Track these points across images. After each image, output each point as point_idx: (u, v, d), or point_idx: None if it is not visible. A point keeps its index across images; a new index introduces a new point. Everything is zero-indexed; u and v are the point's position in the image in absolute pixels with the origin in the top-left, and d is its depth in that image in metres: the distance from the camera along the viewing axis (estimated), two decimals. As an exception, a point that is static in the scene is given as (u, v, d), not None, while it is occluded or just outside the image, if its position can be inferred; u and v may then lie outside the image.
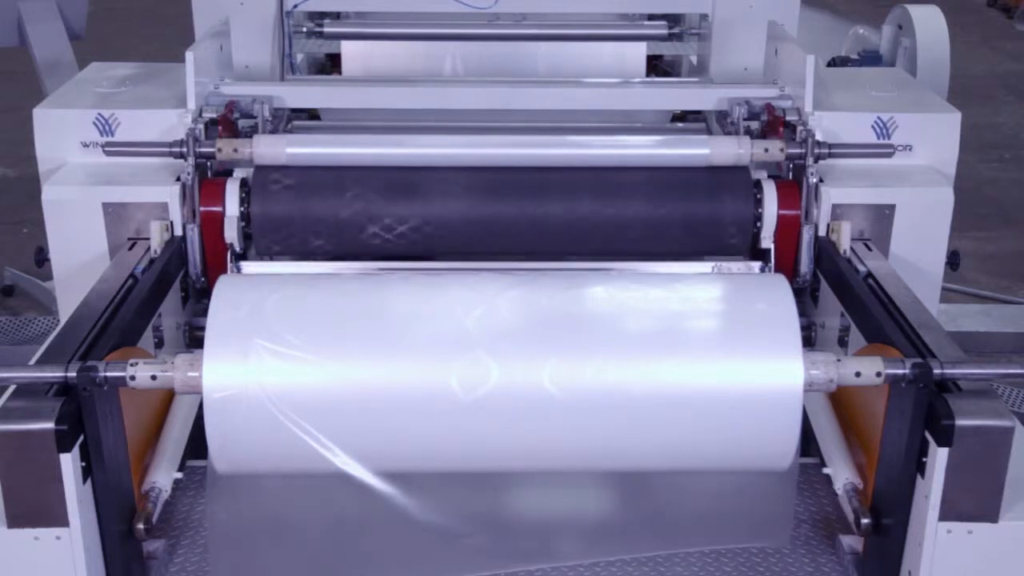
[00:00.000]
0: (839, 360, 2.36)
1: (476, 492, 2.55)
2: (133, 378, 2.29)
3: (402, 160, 3.16)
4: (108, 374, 2.27)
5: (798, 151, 3.08)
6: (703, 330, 2.46)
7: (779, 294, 2.44)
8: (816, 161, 3.06)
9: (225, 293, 2.40)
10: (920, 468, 2.34)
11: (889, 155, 3.15)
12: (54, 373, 2.27)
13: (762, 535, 2.58)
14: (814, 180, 3.06)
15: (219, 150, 3.05)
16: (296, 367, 2.30)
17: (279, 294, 2.43)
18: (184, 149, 3.01)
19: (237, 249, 3.07)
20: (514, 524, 2.60)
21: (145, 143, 3.12)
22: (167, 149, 3.03)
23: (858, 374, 2.35)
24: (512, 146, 3.21)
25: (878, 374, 2.34)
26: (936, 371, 2.33)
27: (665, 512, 2.62)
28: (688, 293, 2.54)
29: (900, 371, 2.33)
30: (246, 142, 3.07)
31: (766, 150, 3.11)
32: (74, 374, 2.25)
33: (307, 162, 3.13)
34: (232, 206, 3.06)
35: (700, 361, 2.36)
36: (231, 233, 3.04)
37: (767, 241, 3.10)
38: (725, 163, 3.13)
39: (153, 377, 2.30)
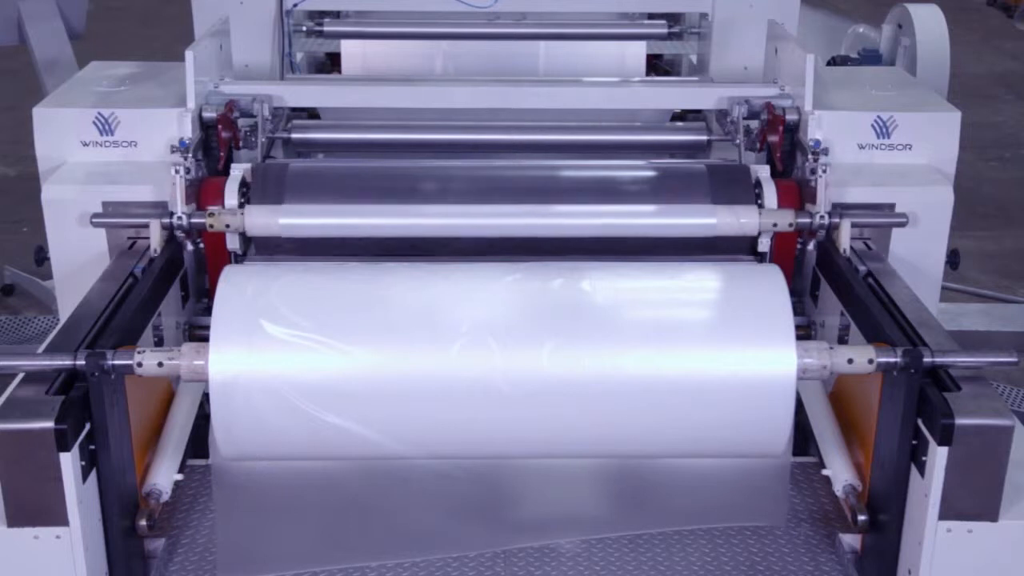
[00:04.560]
0: (831, 348, 2.40)
1: (473, 471, 2.59)
2: (140, 365, 2.32)
3: (401, 231, 3.06)
4: (115, 362, 2.30)
5: (807, 222, 2.99)
6: (698, 319, 2.49)
7: (773, 284, 2.45)
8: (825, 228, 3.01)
9: (231, 281, 2.43)
10: (920, 466, 2.34)
11: (903, 225, 3.08)
12: (62, 361, 2.30)
13: (758, 515, 2.60)
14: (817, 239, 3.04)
15: (210, 226, 2.96)
16: (301, 351, 2.32)
17: (284, 280, 2.46)
18: (173, 220, 2.94)
19: (239, 253, 3.07)
20: (511, 503, 2.64)
21: (134, 212, 3.02)
22: (157, 220, 2.94)
23: (850, 361, 2.38)
24: (516, 215, 3.08)
25: (870, 361, 2.37)
26: (927, 359, 2.34)
27: (662, 491, 2.66)
28: (683, 282, 2.57)
29: (892, 359, 2.36)
30: (237, 212, 2.98)
31: (774, 225, 3.01)
32: (83, 361, 2.28)
33: (302, 233, 3.03)
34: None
35: (695, 349, 2.38)
36: (232, 244, 3.05)
37: (764, 244, 3.09)
38: (731, 233, 3.03)
39: (160, 364, 2.33)
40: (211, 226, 2.97)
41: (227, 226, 2.98)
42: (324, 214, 3.07)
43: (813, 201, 3.02)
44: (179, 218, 2.94)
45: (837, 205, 3.06)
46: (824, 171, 2.97)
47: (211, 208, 2.99)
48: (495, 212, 3.08)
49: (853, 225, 2.99)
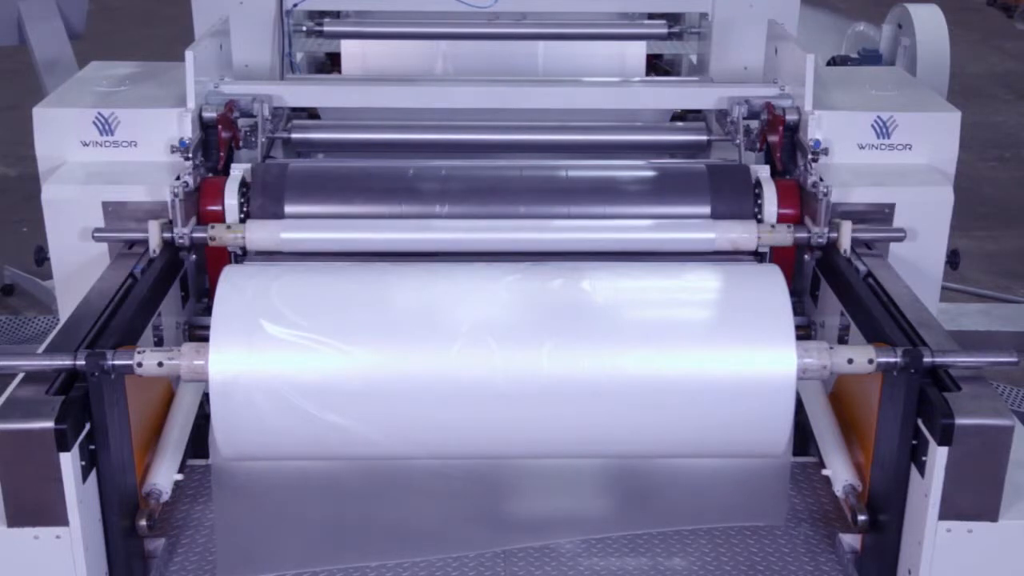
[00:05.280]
0: (831, 348, 2.40)
1: (473, 471, 2.59)
2: (140, 365, 2.32)
3: (401, 245, 3.05)
4: (116, 362, 2.30)
5: (806, 236, 3.00)
6: (698, 319, 2.49)
7: (773, 284, 2.46)
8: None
9: (231, 281, 2.43)
10: (920, 466, 2.34)
11: (900, 239, 3.08)
12: (63, 361, 2.30)
13: (758, 515, 2.61)
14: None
15: (212, 239, 2.97)
16: (301, 351, 2.32)
17: (284, 280, 2.46)
18: (175, 235, 2.93)
19: (239, 253, 3.07)
20: (511, 503, 2.64)
21: (133, 216, 3.03)
22: (156, 222, 2.93)
23: (850, 361, 2.39)
24: (516, 230, 3.08)
25: (870, 361, 2.38)
26: (927, 359, 2.35)
27: (662, 491, 2.66)
28: (683, 282, 2.58)
29: (892, 359, 2.36)
30: (239, 228, 2.99)
31: (773, 227, 3.03)
32: (83, 361, 2.28)
33: (302, 248, 3.02)
34: (232, 218, 3.06)
35: (695, 349, 2.38)
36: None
37: (763, 246, 3.09)
38: (730, 249, 3.03)
39: (160, 364, 2.33)
40: (212, 239, 2.97)
41: (229, 245, 2.99)
42: (324, 228, 3.06)
43: (813, 215, 3.02)
44: (180, 238, 2.94)
45: (837, 206, 3.06)
46: (826, 193, 2.96)
47: (212, 226, 2.99)
48: (494, 227, 3.08)
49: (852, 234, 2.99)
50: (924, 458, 2.32)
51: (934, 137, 3.27)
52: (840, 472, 2.57)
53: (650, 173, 3.31)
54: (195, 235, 2.97)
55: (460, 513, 2.60)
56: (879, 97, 3.42)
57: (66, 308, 2.94)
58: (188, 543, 2.56)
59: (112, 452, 2.31)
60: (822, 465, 2.65)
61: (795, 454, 2.65)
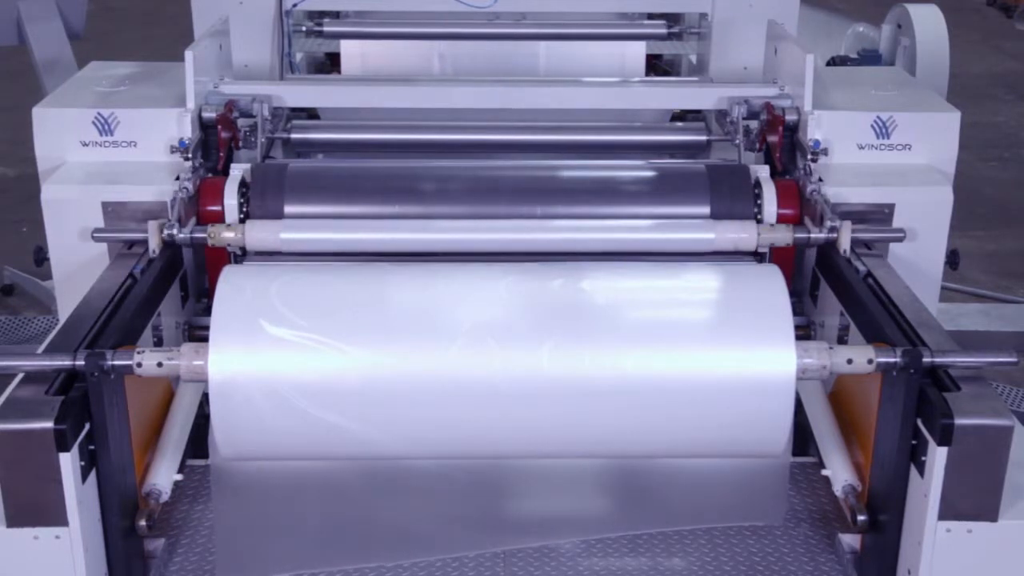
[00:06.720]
0: (831, 348, 2.40)
1: (473, 471, 2.60)
2: (140, 365, 2.32)
3: (401, 245, 3.04)
4: (115, 362, 2.30)
5: (805, 236, 2.99)
6: (698, 319, 2.49)
7: (773, 284, 2.46)
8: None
9: (230, 281, 2.43)
10: (919, 466, 2.34)
11: (900, 240, 3.08)
12: (62, 361, 2.30)
13: (757, 515, 2.61)
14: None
15: (211, 238, 2.96)
16: (300, 350, 2.32)
17: (283, 280, 2.46)
18: (175, 236, 2.91)
19: (238, 253, 3.08)
20: (511, 503, 2.64)
21: (133, 217, 3.03)
22: (156, 222, 2.92)
23: (850, 361, 2.39)
24: (515, 231, 3.07)
25: (869, 361, 2.38)
26: (926, 359, 2.35)
27: (662, 491, 2.66)
28: (683, 282, 2.58)
29: (891, 359, 2.36)
30: (239, 228, 2.99)
31: (773, 227, 3.03)
32: (82, 361, 2.28)
33: (302, 248, 3.01)
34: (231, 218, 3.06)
35: (695, 349, 2.38)
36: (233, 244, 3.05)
37: (763, 246, 3.09)
38: (729, 249, 3.03)
39: (159, 364, 2.33)
40: (211, 236, 2.96)
41: (228, 245, 2.99)
42: (324, 228, 3.06)
43: (812, 215, 3.02)
44: (182, 238, 2.94)
45: (837, 206, 3.06)
46: (826, 200, 2.96)
47: (212, 226, 2.98)
48: (494, 227, 3.07)
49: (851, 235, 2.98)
50: (924, 458, 2.32)
51: (934, 137, 3.28)
52: (840, 472, 2.57)
53: (650, 173, 3.32)
54: (195, 235, 2.97)
55: (460, 513, 2.60)
56: (879, 97, 3.42)
57: (66, 308, 2.94)
58: (188, 543, 2.56)
59: (112, 452, 2.31)
60: (822, 465, 2.65)
61: (795, 454, 2.64)
